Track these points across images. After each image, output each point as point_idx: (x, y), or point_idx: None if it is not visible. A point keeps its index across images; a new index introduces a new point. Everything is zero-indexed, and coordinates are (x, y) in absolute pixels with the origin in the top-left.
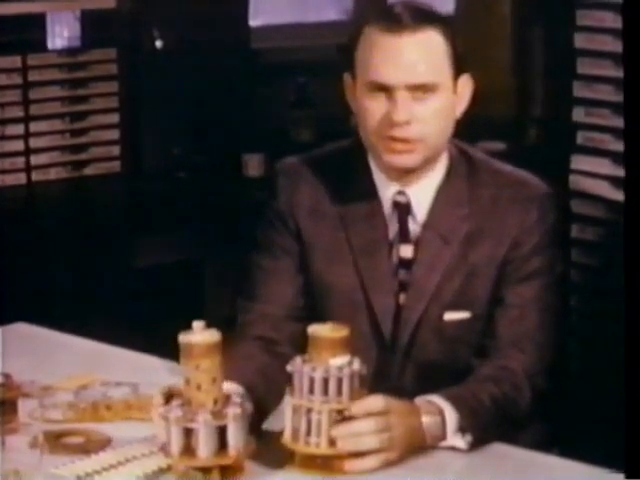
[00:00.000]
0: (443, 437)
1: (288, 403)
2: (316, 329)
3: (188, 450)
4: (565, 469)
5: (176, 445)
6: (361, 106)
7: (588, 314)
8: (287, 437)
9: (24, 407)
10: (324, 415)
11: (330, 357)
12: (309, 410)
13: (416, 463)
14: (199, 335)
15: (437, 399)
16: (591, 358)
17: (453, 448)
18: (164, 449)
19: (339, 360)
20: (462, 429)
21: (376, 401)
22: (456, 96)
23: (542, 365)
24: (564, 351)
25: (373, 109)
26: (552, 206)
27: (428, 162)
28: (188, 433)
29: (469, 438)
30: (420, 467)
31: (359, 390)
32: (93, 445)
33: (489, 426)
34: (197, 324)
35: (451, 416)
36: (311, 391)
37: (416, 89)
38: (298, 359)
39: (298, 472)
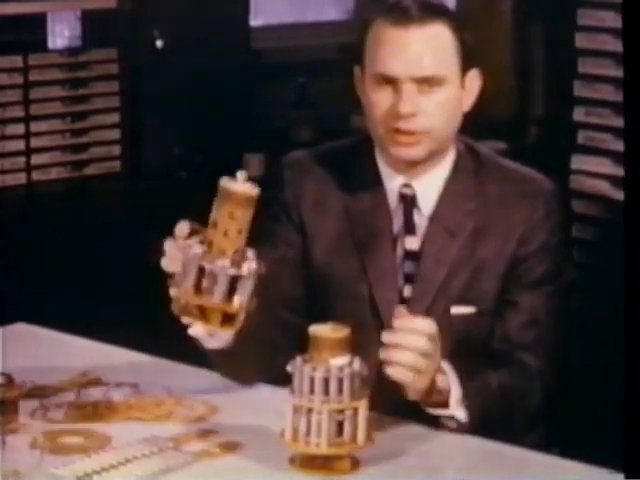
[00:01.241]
0: (445, 403)
1: (288, 403)
2: (316, 329)
3: (197, 289)
4: (565, 469)
5: (190, 280)
6: (368, 99)
7: (588, 314)
8: (287, 437)
9: (24, 407)
10: (324, 415)
11: (330, 357)
12: (309, 410)
13: (416, 463)
14: (241, 184)
15: (445, 365)
16: (591, 358)
17: (454, 445)
18: (176, 281)
19: (340, 360)
20: (463, 402)
21: (424, 322)
22: (464, 90)
23: (553, 367)
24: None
25: (379, 101)
26: (558, 203)
27: (434, 155)
28: (201, 273)
29: (468, 413)
30: (420, 467)
31: (360, 390)
32: (93, 445)
33: (491, 410)
34: (241, 174)
35: (455, 386)
36: (311, 391)
37: (422, 82)
38: (298, 359)
39: (298, 472)
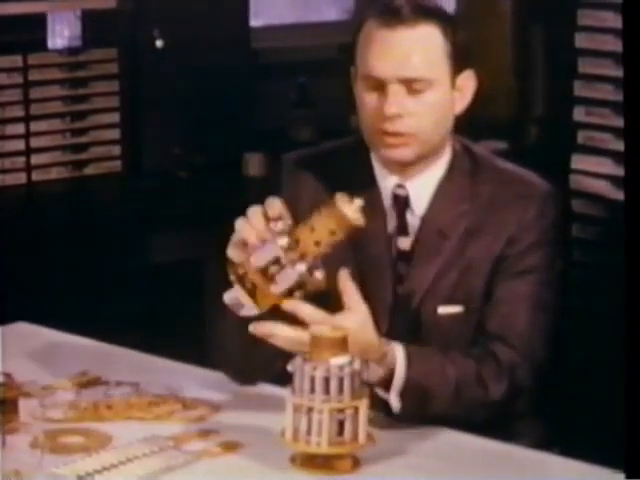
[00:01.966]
0: (387, 386)
1: (289, 402)
2: (317, 329)
3: (265, 273)
4: (565, 469)
5: (263, 261)
6: (359, 99)
7: (588, 314)
8: (288, 437)
9: (25, 407)
10: (325, 414)
11: (331, 356)
12: (310, 409)
13: (416, 463)
14: (355, 212)
15: (399, 354)
16: (591, 358)
17: (454, 445)
18: (247, 250)
19: (340, 359)
20: (402, 393)
21: (309, 311)
22: (456, 92)
23: (528, 362)
24: (559, 350)
25: (368, 102)
26: (552, 204)
27: (426, 156)
28: (276, 261)
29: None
30: (418, 467)
31: (360, 389)
32: (94, 444)
33: (441, 401)
34: (359, 202)
35: (399, 376)
36: (312, 390)
37: (409, 83)
38: (299, 358)
39: (299, 472)
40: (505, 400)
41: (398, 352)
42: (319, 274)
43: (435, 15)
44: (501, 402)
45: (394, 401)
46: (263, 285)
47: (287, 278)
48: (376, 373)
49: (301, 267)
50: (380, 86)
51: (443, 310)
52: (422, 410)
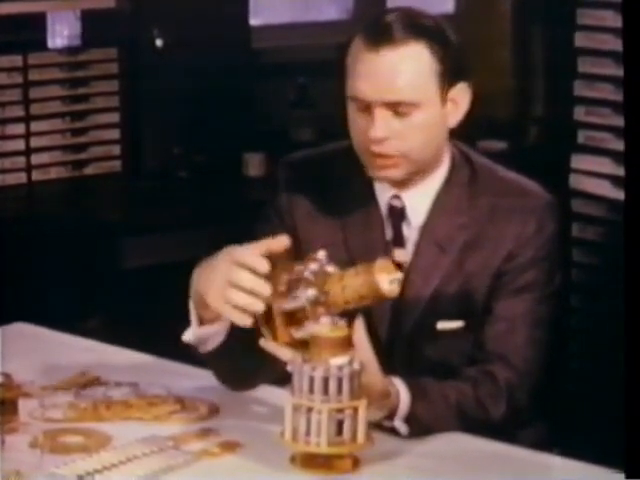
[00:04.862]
0: (392, 415)
1: (288, 402)
2: (316, 329)
3: (290, 315)
4: (565, 469)
5: (290, 306)
6: (350, 118)
7: (588, 314)
8: (287, 437)
9: (24, 407)
10: (324, 414)
11: (330, 356)
12: (309, 409)
13: (416, 463)
14: (391, 284)
15: (404, 393)
16: (591, 358)
17: (454, 445)
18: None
19: (339, 359)
20: (408, 420)
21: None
22: (448, 108)
23: (526, 381)
24: (559, 351)
25: (357, 123)
26: (552, 217)
27: (418, 173)
28: (301, 310)
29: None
30: (418, 467)
31: (359, 389)
32: (93, 444)
33: (444, 425)
34: (398, 274)
35: (404, 403)
36: (311, 390)
37: (395, 106)
38: (298, 358)
39: (298, 472)
40: (505, 419)
41: (400, 386)
42: (341, 323)
43: (426, 33)
44: (502, 421)
45: (400, 426)
46: (284, 326)
47: (310, 328)
48: (377, 415)
49: (325, 320)
50: (367, 108)
51: (442, 325)
52: (426, 433)
